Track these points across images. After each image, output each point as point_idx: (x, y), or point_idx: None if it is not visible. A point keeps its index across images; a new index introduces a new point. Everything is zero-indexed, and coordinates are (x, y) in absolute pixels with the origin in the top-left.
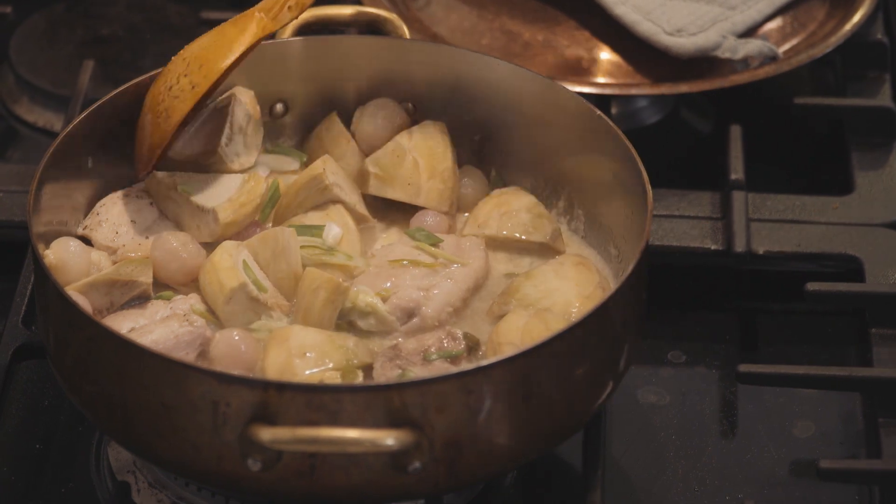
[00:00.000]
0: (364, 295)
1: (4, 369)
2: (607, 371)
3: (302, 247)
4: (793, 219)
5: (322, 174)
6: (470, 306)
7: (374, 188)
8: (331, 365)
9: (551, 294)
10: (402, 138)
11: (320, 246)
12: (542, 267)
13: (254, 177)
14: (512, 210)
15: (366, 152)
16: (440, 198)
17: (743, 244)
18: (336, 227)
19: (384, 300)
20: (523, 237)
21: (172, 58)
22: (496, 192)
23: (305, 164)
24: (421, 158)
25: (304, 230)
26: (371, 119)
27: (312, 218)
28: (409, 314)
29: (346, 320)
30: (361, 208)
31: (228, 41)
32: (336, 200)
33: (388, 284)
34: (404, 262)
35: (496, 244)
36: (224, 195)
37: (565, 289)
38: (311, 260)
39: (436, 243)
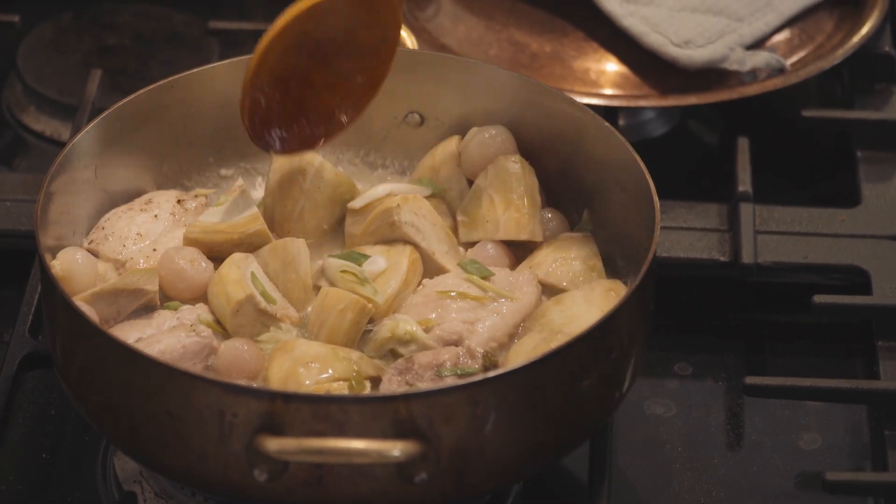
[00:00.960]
0: (404, 324)
1: (11, 378)
2: (613, 383)
3: (341, 270)
4: (800, 231)
5: (394, 209)
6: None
7: (463, 235)
8: (334, 375)
9: (575, 319)
10: (480, 179)
11: (357, 274)
12: (573, 292)
13: None
14: (568, 257)
15: (467, 176)
16: (518, 226)
17: (750, 256)
18: (382, 261)
19: (427, 330)
20: (564, 284)
21: None
22: (564, 235)
23: (438, 195)
24: (495, 194)
25: (349, 255)
26: (479, 144)
27: (373, 249)
28: (452, 346)
29: (387, 349)
30: (442, 258)
31: None
32: (408, 241)
33: (433, 315)
34: (452, 294)
35: (545, 286)
36: None
37: (590, 315)
38: (341, 283)
39: (487, 276)
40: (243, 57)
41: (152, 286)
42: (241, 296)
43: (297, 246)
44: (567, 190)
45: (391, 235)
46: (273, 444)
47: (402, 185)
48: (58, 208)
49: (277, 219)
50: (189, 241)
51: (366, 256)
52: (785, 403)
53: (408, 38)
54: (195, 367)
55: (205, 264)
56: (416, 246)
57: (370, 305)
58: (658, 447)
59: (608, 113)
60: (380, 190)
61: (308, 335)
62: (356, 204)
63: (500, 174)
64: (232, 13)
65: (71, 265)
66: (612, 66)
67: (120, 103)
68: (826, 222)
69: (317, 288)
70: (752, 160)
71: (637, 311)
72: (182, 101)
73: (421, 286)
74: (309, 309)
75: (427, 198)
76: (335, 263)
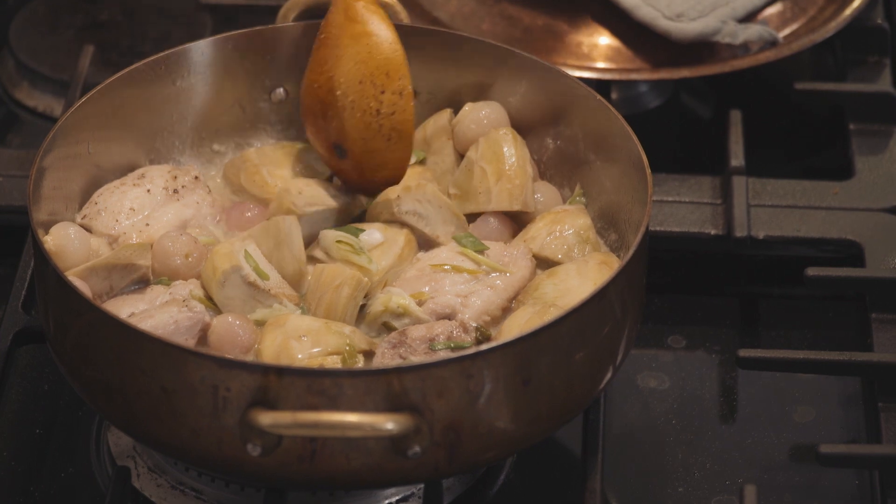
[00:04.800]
0: (397, 297)
1: (4, 354)
2: (607, 356)
3: (337, 241)
4: (793, 204)
5: (393, 201)
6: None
7: (457, 208)
8: (327, 348)
9: (568, 292)
10: (471, 152)
11: (353, 244)
12: (566, 265)
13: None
14: (562, 230)
15: (460, 151)
16: (510, 197)
17: (743, 229)
18: (378, 234)
19: (420, 304)
20: (559, 257)
21: (341, 93)
22: (558, 207)
23: (422, 161)
24: (487, 165)
25: (346, 228)
26: (473, 121)
27: (370, 226)
28: (445, 320)
29: (381, 322)
30: (447, 241)
31: (364, 33)
32: (408, 225)
33: (427, 289)
34: (445, 267)
35: (539, 259)
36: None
37: (583, 288)
38: (336, 253)
39: (481, 250)
40: (235, 32)
41: (145, 261)
42: (226, 266)
43: (289, 223)
44: (559, 163)
45: (391, 218)
46: (266, 418)
47: None
48: (50, 184)
49: None
50: None
51: (360, 229)
52: (779, 376)
53: (400, 12)
54: (188, 342)
55: (198, 254)
56: (419, 231)
57: (366, 280)
58: (651, 420)
59: (601, 86)
60: None
61: (306, 312)
62: None
63: (491, 146)
64: None
65: (64, 240)
66: (604, 40)
67: (112, 78)
68: (819, 195)
69: (312, 260)
70: (744, 133)
71: (630, 284)
72: (174, 76)
73: (416, 259)
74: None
75: (412, 165)
76: (331, 234)
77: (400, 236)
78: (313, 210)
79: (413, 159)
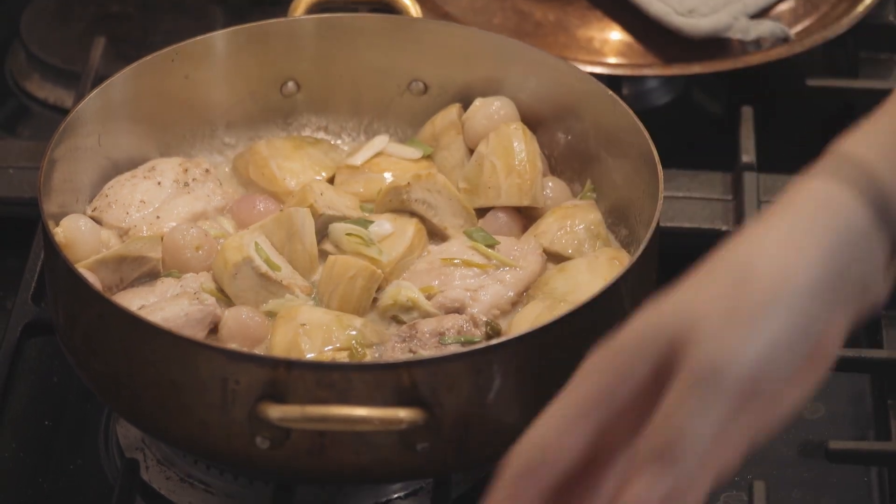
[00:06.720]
0: (406, 290)
1: (13, 346)
2: None
3: (347, 233)
4: None
5: (403, 188)
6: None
7: (466, 202)
8: (338, 344)
9: (579, 288)
10: (481, 146)
11: (363, 236)
12: (577, 260)
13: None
14: (573, 225)
15: (469, 146)
16: (520, 192)
17: None
18: (388, 225)
19: (429, 297)
20: (570, 252)
21: None
22: (569, 202)
23: (429, 157)
24: (497, 160)
25: (357, 220)
26: (484, 116)
27: (379, 217)
28: (455, 314)
29: (390, 315)
30: (455, 233)
31: None
32: (416, 214)
33: (436, 282)
34: (455, 261)
35: (549, 254)
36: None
37: (594, 283)
38: (346, 245)
39: (492, 245)
40: (246, 25)
41: (155, 253)
42: (238, 258)
43: (302, 216)
44: (570, 159)
45: (400, 207)
46: (275, 412)
47: (393, 145)
48: (61, 176)
49: None
50: None
51: (368, 221)
52: None
53: (411, 5)
54: (198, 335)
55: (208, 247)
56: (428, 222)
57: (379, 271)
58: None
59: (612, 82)
60: (376, 143)
61: (318, 303)
62: (356, 160)
63: (501, 141)
64: None
65: (74, 232)
66: (615, 35)
67: (123, 71)
68: None
69: (322, 253)
70: (756, 129)
71: (640, 280)
72: (185, 69)
73: (426, 253)
74: (315, 277)
75: (418, 160)
76: (341, 227)
77: (409, 226)
78: (331, 213)
79: (420, 153)
